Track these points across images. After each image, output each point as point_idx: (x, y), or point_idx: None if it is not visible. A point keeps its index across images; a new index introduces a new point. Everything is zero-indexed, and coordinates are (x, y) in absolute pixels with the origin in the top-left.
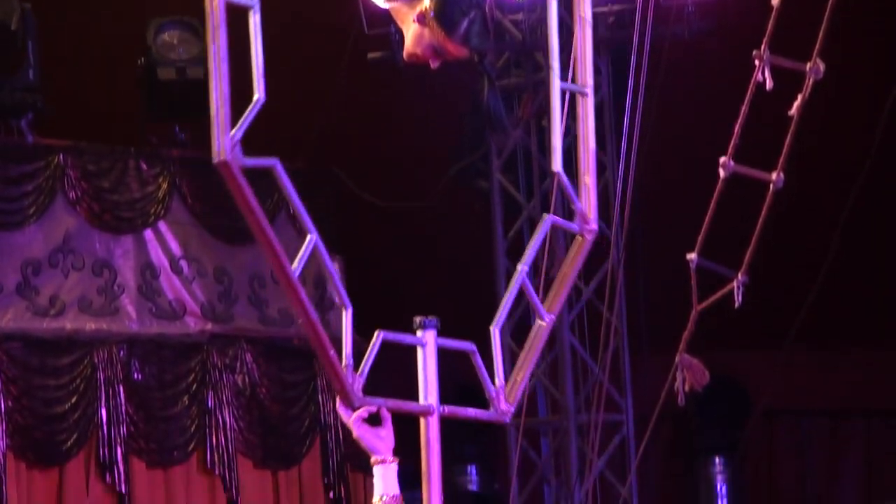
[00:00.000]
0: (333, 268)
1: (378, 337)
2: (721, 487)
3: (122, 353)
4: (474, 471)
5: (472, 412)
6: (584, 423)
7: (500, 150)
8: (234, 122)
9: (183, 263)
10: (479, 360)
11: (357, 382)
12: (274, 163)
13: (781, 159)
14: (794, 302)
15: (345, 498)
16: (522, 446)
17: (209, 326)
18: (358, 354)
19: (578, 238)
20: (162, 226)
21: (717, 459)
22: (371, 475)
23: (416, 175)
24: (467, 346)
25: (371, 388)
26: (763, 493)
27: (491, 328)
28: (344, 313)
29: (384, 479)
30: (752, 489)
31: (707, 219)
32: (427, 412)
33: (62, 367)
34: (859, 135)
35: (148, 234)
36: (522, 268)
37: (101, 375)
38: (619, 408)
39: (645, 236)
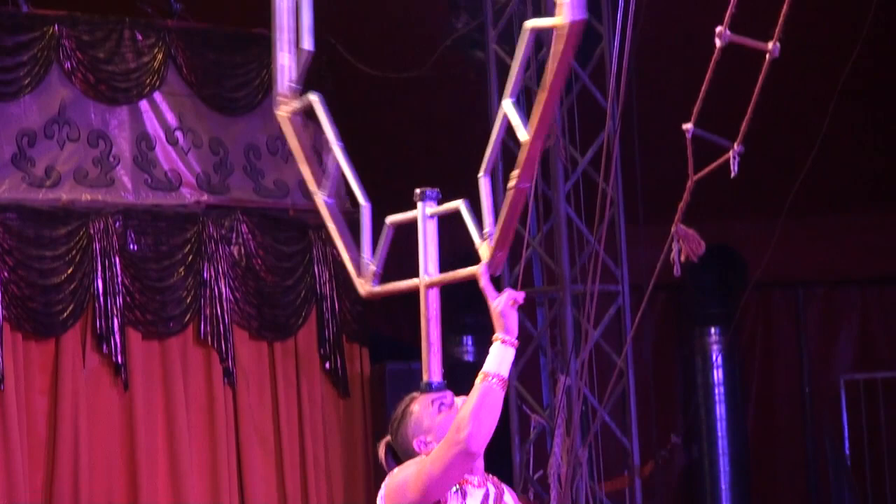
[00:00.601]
0: (353, 171)
1: (388, 228)
2: (716, 357)
3: (117, 224)
4: (470, 341)
5: (463, 272)
6: (580, 294)
7: (497, 19)
8: None
9: (178, 134)
10: (468, 212)
11: (366, 269)
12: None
13: (778, 28)
14: (789, 171)
15: (340, 368)
16: (519, 316)
17: (205, 197)
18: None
19: (559, 31)
20: (157, 96)
21: (712, 329)
22: (366, 346)
23: (411, 45)
24: (457, 203)
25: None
26: (758, 362)
27: (479, 176)
28: (362, 209)
29: (501, 359)
30: (747, 359)
31: (703, 88)
32: (427, 283)
33: (58, 238)
34: (856, 3)
35: (143, 104)
36: (506, 101)
37: (96, 246)
38: (615, 278)
39: (641, 106)
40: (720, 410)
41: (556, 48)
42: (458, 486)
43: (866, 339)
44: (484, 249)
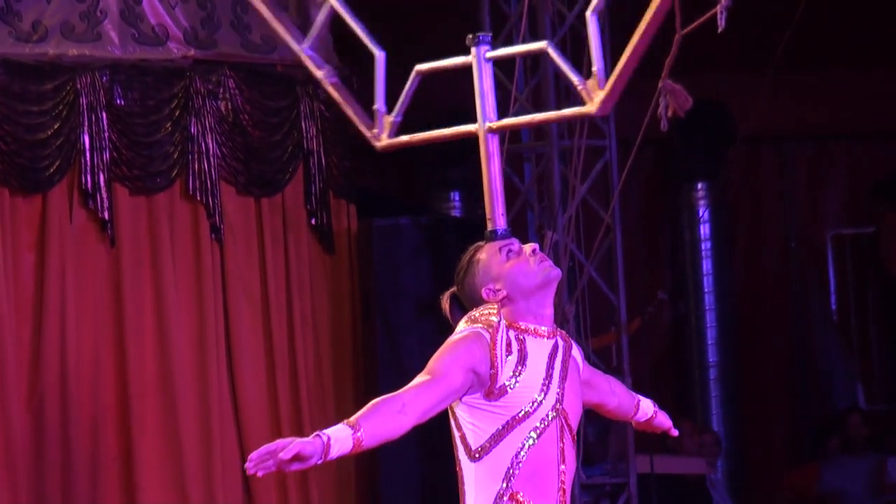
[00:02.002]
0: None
1: (415, 76)
2: (703, 212)
3: (104, 78)
4: (457, 196)
5: (566, 112)
6: (568, 149)
7: None
8: None
9: None
10: (559, 53)
11: (381, 121)
12: None
13: None
14: (778, 24)
15: (327, 225)
16: (506, 172)
17: (192, 52)
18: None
19: None
20: None
21: (699, 185)
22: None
23: None
24: (542, 44)
25: None
26: (745, 217)
27: (588, 14)
28: (377, 59)
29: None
30: (734, 214)
31: None
32: (487, 130)
33: (45, 93)
34: None
35: None
36: None
37: (83, 101)
38: (602, 133)
39: None
40: (707, 266)
41: None
42: (519, 335)
43: (853, 194)
44: (594, 88)
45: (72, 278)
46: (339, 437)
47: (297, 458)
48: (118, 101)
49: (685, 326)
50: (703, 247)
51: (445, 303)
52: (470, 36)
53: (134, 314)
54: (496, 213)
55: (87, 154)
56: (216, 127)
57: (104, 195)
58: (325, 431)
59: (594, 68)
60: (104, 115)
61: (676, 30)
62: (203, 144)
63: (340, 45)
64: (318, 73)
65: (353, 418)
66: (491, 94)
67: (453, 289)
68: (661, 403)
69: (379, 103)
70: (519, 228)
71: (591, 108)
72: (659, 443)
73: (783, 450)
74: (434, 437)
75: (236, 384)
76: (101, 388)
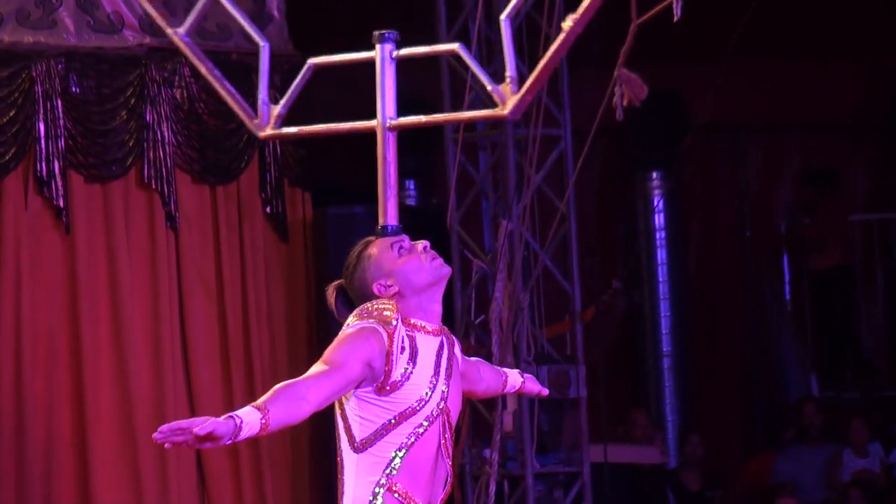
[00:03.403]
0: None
1: (308, 68)
2: (658, 202)
3: (59, 66)
4: (413, 185)
5: (475, 113)
6: (523, 138)
7: None
8: None
9: None
10: (470, 56)
11: (269, 112)
12: None
13: None
14: (733, 15)
15: (282, 213)
16: (461, 161)
17: (147, 40)
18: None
19: None
20: None
21: (654, 174)
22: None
23: None
24: (454, 46)
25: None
26: (699, 206)
27: (501, 18)
28: (261, 49)
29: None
30: (688, 203)
31: None
32: (383, 126)
33: (0, 81)
34: None
35: None
36: None
37: (39, 89)
38: (558, 122)
39: None
40: (661, 255)
41: None
42: (409, 332)
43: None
44: (506, 92)
45: (27, 266)
46: (249, 421)
47: (210, 436)
48: (73, 89)
49: (639, 316)
50: (657, 236)
51: (331, 295)
52: (376, 33)
53: (89, 302)
54: (389, 209)
55: (43, 142)
56: (171, 115)
57: (59, 183)
58: (236, 413)
59: (507, 73)
60: (59, 102)
61: (632, 19)
62: (158, 132)
63: (296, 35)
64: (195, 60)
65: (260, 401)
66: (391, 92)
67: (339, 281)
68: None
69: (262, 94)
70: (474, 218)
71: (501, 111)
72: (613, 431)
73: (738, 440)
74: None
75: (191, 373)
76: (56, 377)
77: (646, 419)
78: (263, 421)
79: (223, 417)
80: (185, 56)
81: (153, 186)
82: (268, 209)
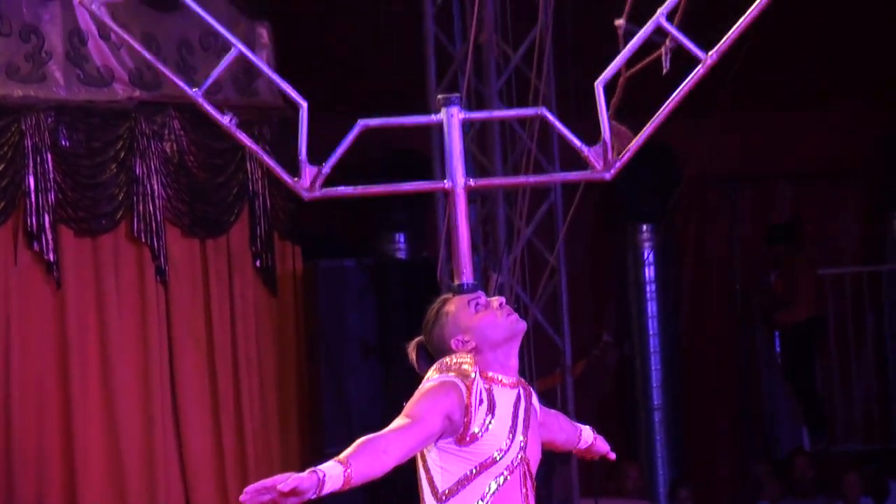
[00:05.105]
0: (269, 69)
1: (357, 128)
2: (648, 254)
3: (49, 119)
4: (402, 238)
5: (577, 175)
6: (513, 190)
7: None
8: None
9: None
10: (556, 121)
11: (308, 172)
12: None
13: None
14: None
15: (272, 266)
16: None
17: (137, 93)
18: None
19: None
20: None
21: (644, 226)
22: (298, 244)
23: None
24: (534, 111)
25: None
26: (690, 259)
27: (596, 84)
28: (301, 109)
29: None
30: (679, 256)
31: None
32: (455, 186)
33: None
34: None
35: None
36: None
37: (28, 142)
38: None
39: (574, 1)
40: (652, 308)
41: None
42: (487, 385)
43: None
44: (600, 153)
45: (17, 321)
46: (332, 475)
47: (294, 492)
48: (63, 143)
49: (630, 369)
50: (648, 289)
51: (412, 352)
52: (440, 97)
53: (79, 356)
54: (464, 267)
55: (33, 195)
56: (161, 168)
57: (49, 236)
58: (319, 468)
59: (603, 136)
60: (49, 156)
61: (621, 71)
62: (148, 186)
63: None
64: (224, 120)
65: (342, 456)
66: (460, 154)
67: (419, 338)
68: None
69: (302, 153)
70: None
71: (602, 171)
72: (603, 485)
73: (729, 492)
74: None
75: (181, 426)
76: (46, 430)
77: (637, 473)
78: (347, 473)
79: (306, 472)
80: (175, 110)
81: (143, 240)
82: (258, 262)
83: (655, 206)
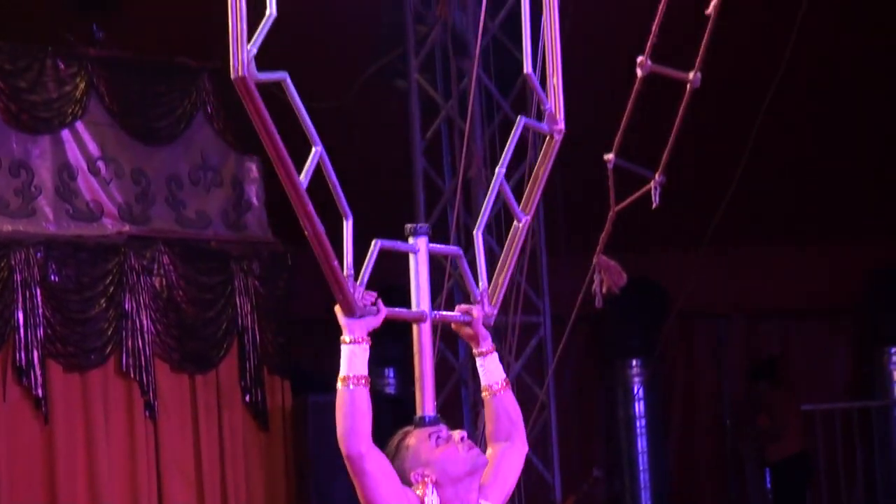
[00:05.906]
0: (335, 178)
1: (376, 245)
2: (638, 390)
3: (38, 254)
4: (392, 373)
5: (458, 316)
6: (502, 325)
7: (419, 48)
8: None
9: (100, 164)
10: (465, 264)
11: (358, 292)
12: (284, 76)
13: (699, 58)
14: (710, 203)
15: (261, 401)
16: (440, 349)
17: (126, 228)
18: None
19: (549, 138)
20: (79, 126)
21: (633, 361)
22: (287, 379)
23: (331, 75)
24: (454, 250)
25: None
26: (679, 394)
27: (474, 232)
28: (345, 223)
29: (351, 360)
30: (668, 391)
31: (624, 119)
32: (421, 318)
33: None
34: (777, 37)
35: (65, 134)
36: (500, 170)
37: (17, 277)
38: (537, 309)
39: (563, 136)
40: (641, 443)
41: (545, 152)
42: None
43: (787, 370)
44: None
45: (4, 457)
46: None
47: None
48: (52, 278)
49: None
50: (637, 424)
51: None
52: (408, 226)
53: (67, 493)
54: (425, 400)
55: (21, 330)
56: (151, 303)
57: (38, 372)
58: None
59: (480, 286)
60: (38, 291)
61: (610, 206)
62: (137, 321)
63: (274, 220)
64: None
65: None
66: (427, 284)
67: None
68: None
69: (348, 270)
70: (453, 407)
71: (477, 314)
72: None
73: None
74: None
75: None
76: None
77: None
78: None
79: None
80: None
81: (132, 375)
82: (247, 397)
83: (644, 341)
